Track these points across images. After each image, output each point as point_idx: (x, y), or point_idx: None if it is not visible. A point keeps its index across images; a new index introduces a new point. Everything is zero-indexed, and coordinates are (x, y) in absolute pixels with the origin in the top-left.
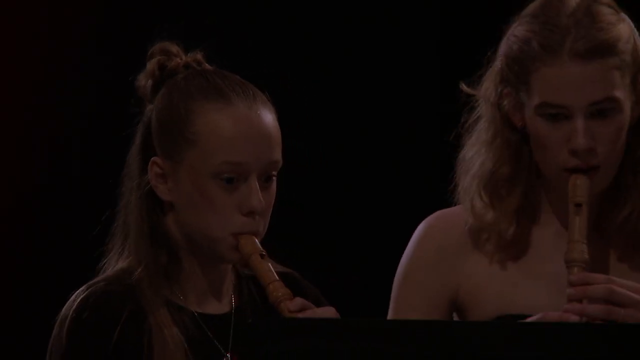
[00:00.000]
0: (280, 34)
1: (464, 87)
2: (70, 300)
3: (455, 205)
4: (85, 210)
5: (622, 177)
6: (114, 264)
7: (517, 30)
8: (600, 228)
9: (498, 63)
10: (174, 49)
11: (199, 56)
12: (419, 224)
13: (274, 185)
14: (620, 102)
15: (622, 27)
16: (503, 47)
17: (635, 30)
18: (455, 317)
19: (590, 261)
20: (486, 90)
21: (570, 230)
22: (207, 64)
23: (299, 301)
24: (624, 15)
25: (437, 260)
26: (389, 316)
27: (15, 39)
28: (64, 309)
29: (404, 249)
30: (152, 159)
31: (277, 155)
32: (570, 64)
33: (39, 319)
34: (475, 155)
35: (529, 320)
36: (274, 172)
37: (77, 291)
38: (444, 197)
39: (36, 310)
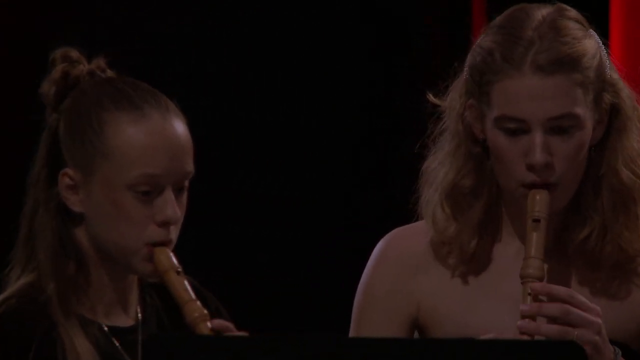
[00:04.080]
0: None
1: (430, 97)
2: None
3: (417, 217)
4: None
5: (583, 196)
6: (19, 276)
7: (482, 41)
8: (560, 248)
9: (464, 74)
10: (75, 54)
11: (102, 62)
12: (379, 242)
13: (185, 195)
14: (580, 119)
15: (588, 42)
16: (469, 58)
17: (603, 47)
18: (417, 336)
19: (548, 280)
20: (451, 101)
21: (527, 246)
22: (110, 70)
23: (216, 323)
24: (591, 32)
25: (396, 281)
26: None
27: None
28: None
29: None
30: (63, 170)
31: (190, 165)
32: (531, 76)
33: None
34: (439, 166)
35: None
36: (186, 183)
37: None
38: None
39: None
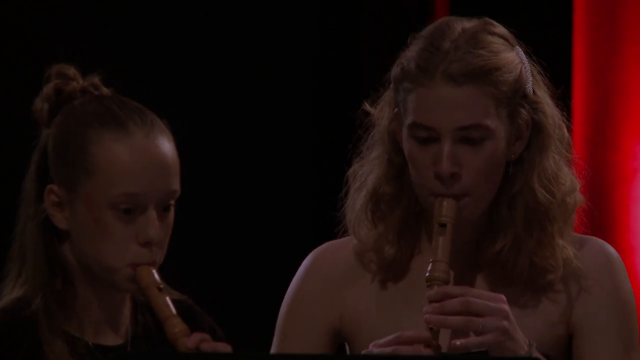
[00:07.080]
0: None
1: (365, 105)
2: None
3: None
4: None
5: (498, 210)
6: (11, 289)
7: (406, 51)
8: (474, 259)
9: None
10: (71, 72)
11: (96, 80)
12: (307, 255)
13: (172, 214)
14: (491, 131)
15: (506, 57)
16: (393, 68)
17: (527, 64)
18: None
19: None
20: (380, 109)
21: (433, 250)
22: (104, 88)
23: (196, 337)
24: (517, 49)
25: (321, 292)
26: (273, 348)
27: None
28: None
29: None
30: (48, 186)
31: (176, 184)
32: (443, 86)
33: None
34: (363, 173)
35: (386, 338)
36: (172, 202)
37: None
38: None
39: None
